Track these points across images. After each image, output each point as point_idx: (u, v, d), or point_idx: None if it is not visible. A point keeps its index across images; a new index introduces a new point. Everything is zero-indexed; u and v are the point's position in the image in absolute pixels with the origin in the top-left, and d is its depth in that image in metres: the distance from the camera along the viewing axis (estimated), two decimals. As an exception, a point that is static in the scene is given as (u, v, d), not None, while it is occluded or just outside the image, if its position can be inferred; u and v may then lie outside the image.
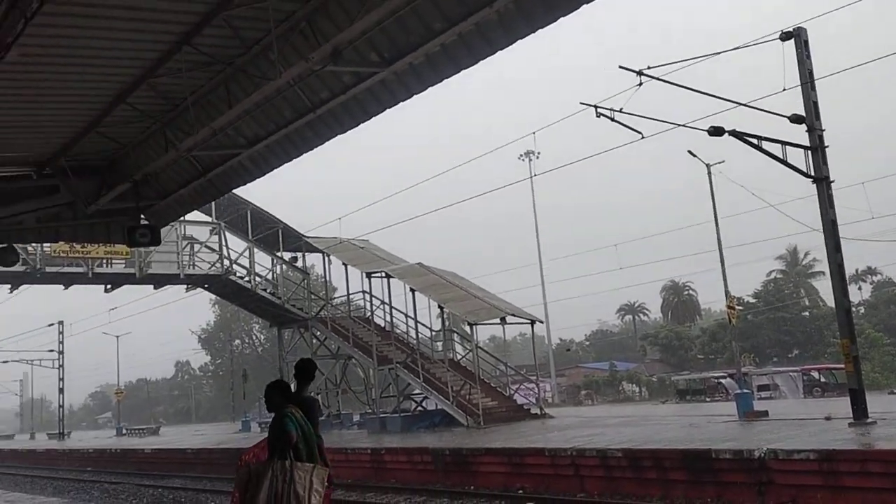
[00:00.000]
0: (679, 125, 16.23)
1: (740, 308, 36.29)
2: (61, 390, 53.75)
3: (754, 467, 12.19)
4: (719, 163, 21.87)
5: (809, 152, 16.52)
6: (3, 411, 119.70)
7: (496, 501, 14.46)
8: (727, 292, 21.62)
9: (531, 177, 40.67)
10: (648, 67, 15.02)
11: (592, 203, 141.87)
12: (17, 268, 24.04)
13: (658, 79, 15.06)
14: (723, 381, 42.21)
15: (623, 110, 14.66)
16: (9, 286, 27.05)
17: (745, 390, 22.40)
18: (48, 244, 24.84)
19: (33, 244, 24.14)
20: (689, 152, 21.46)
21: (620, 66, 14.68)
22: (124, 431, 54.73)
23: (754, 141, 16.59)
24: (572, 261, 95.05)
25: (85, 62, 7.60)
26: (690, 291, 77.79)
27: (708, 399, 40.09)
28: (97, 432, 74.32)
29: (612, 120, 14.68)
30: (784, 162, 16.55)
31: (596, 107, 14.77)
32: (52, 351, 54.57)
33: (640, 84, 14.54)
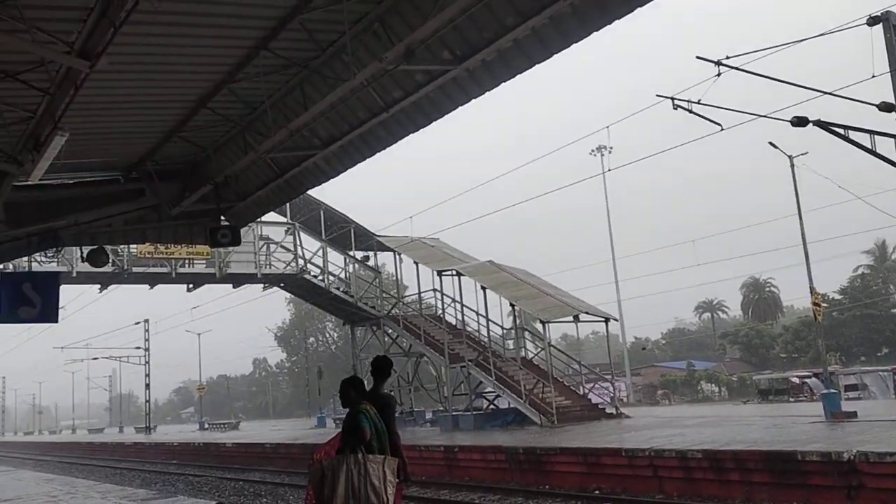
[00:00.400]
0: (760, 116, 15.71)
1: (825, 305, 34.83)
2: (147, 386, 55.90)
3: (844, 470, 11.70)
4: (802, 154, 21.06)
5: (900, 141, 15.74)
6: (94, 406, 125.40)
7: (572, 501, 14.30)
8: (812, 288, 20.79)
9: (603, 172, 40.07)
10: (727, 57, 14.59)
11: (667, 198, 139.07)
12: (107, 269, 25.15)
13: (737, 68, 14.60)
14: (807, 380, 40.71)
15: (701, 101, 14.29)
16: (98, 286, 28.30)
17: (832, 390, 21.51)
18: (134, 246, 25.90)
19: (121, 246, 25.20)
20: (771, 144, 20.74)
21: (698, 57, 14.31)
22: (206, 426, 56.63)
23: (840, 131, 15.91)
24: (647, 257, 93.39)
25: (169, 69, 7.88)
26: (772, 288, 75.31)
27: (791, 399, 38.71)
28: (181, 426, 77.14)
29: (690, 112, 14.31)
30: (872, 152, 15.79)
31: (673, 98, 14.43)
32: (138, 348, 56.87)
33: (719, 74, 14.14)
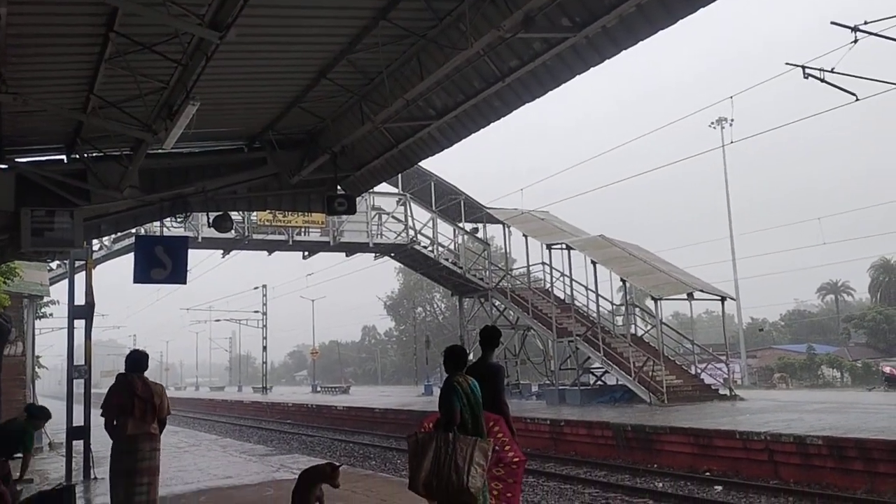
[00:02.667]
0: (900, 85, 14.59)
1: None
2: (264, 348, 58.65)
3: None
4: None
5: None
6: (215, 365, 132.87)
7: (681, 482, 14.00)
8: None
9: (724, 146, 38.39)
10: (865, 23, 13.60)
11: (792, 173, 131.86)
12: (229, 235, 26.42)
13: (876, 34, 13.59)
14: (945, 370, 37.97)
15: (834, 70, 13.40)
16: (221, 252, 29.78)
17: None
18: (254, 214, 27.05)
19: (242, 214, 26.37)
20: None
21: (832, 23, 13.40)
22: (318, 389, 58.91)
23: None
24: (767, 235, 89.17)
25: (292, 41, 8.09)
26: (905, 270, 70.34)
27: (923, 389, 36.21)
28: (294, 388, 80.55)
29: (822, 81, 13.46)
30: None
31: (804, 67, 13.60)
32: (256, 312, 59.70)
33: (856, 41, 13.20)
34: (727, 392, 25.25)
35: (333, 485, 7.10)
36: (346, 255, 32.14)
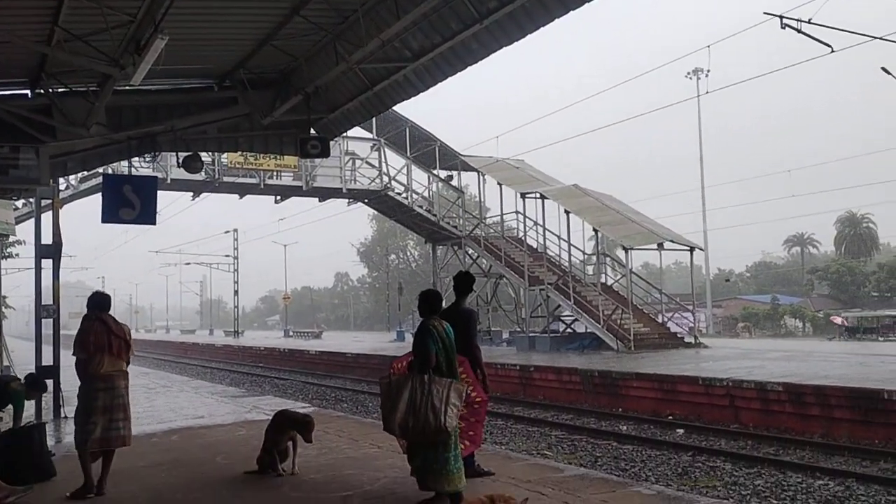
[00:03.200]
0: (874, 38, 14.63)
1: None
2: (236, 292, 58.55)
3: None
4: (919, 81, 19.58)
5: None
6: (186, 309, 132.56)
7: (645, 425, 14.39)
8: (916, 225, 19.67)
9: (699, 95, 38.37)
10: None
11: (766, 126, 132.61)
12: (199, 177, 26.04)
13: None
14: (901, 321, 39.16)
15: (812, 21, 13.38)
16: (191, 194, 29.36)
17: (928, 331, 20.57)
18: (225, 156, 26.64)
19: (212, 156, 25.95)
20: (884, 69, 19.35)
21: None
22: (291, 333, 59.09)
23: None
24: (738, 187, 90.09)
25: (264, -26, 7.87)
26: (869, 224, 71.74)
27: (881, 338, 37.35)
28: (266, 333, 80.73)
29: (799, 31, 13.44)
30: None
31: (781, 17, 13.55)
32: (227, 256, 59.36)
33: (833, -9, 13.17)
34: (692, 340, 25.80)
35: (305, 438, 7.21)
36: (319, 201, 31.89)
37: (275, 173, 28.66)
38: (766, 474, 9.99)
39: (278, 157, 26.16)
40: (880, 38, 14.57)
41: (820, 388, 13.10)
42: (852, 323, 42.56)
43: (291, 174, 28.88)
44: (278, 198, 30.46)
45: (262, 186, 28.45)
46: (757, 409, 13.96)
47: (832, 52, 13.92)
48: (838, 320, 43.24)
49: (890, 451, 11.00)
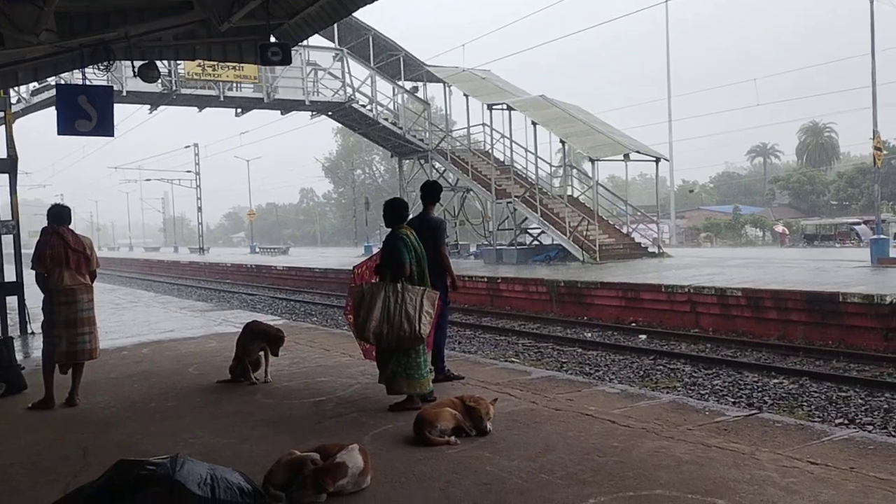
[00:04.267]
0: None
1: (885, 153, 33.58)
2: (199, 209, 57.74)
3: (884, 313, 11.78)
4: (886, -13, 19.47)
5: None
6: (149, 226, 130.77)
7: (609, 332, 14.77)
8: (875, 131, 19.95)
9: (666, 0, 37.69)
10: None
11: (731, 38, 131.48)
12: (156, 88, 25.23)
13: None
14: (856, 227, 40.23)
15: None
16: (149, 107, 28.49)
17: (882, 236, 21.18)
18: (182, 67, 25.75)
19: (169, 67, 25.07)
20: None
21: None
22: (257, 250, 58.85)
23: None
24: (704, 96, 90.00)
25: None
26: (831, 133, 72.57)
27: (838, 245, 38.43)
28: (232, 249, 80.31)
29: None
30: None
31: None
32: (189, 172, 58.23)
33: None
34: (656, 250, 26.27)
35: (273, 352, 7.26)
36: (282, 113, 31.19)
37: (234, 84, 27.85)
38: (723, 374, 10.40)
39: (238, 67, 25.38)
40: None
41: (777, 292, 13.50)
42: (811, 231, 43.65)
43: (252, 86, 28.10)
44: (239, 110, 29.72)
45: (222, 99, 27.68)
46: (716, 315, 14.40)
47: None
48: (779, 229, 44.35)
49: (842, 351, 11.49)
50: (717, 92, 79.49)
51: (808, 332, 12.74)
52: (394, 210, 6.14)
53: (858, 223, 40.82)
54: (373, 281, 6.07)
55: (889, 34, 22.99)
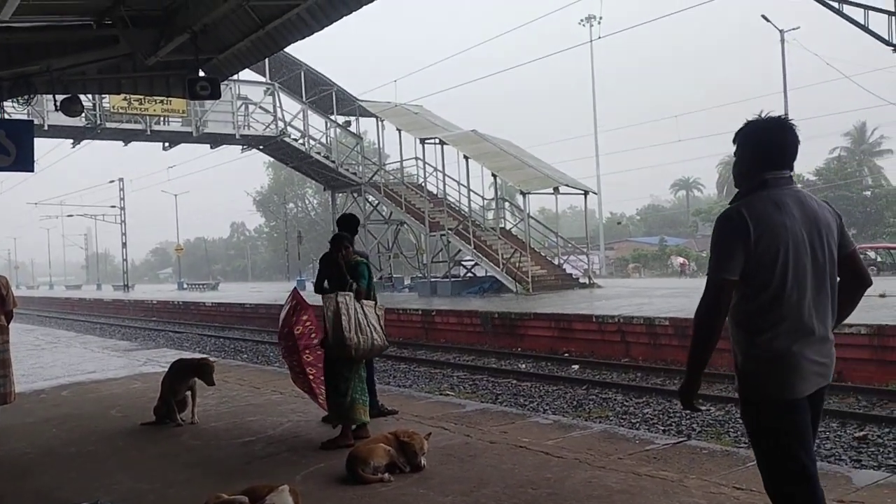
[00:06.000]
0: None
1: (800, 185, 35.26)
2: (124, 245, 56.04)
3: (803, 340, 12.24)
4: (794, 29, 20.65)
5: (893, 19, 15.47)
6: (70, 264, 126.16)
7: (542, 363, 14.91)
8: (790, 167, 20.93)
9: (591, 41, 39.02)
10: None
11: (654, 74, 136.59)
12: (80, 122, 24.56)
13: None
14: (774, 258, 41.86)
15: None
16: (72, 141, 27.68)
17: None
18: (107, 101, 25.17)
19: (93, 100, 24.47)
20: (763, 17, 20.25)
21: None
22: (185, 286, 57.34)
23: (835, 5, 15.56)
24: (629, 132, 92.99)
25: None
26: (749, 168, 75.77)
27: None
28: (159, 286, 78.08)
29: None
30: (866, 29, 15.56)
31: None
32: (113, 207, 56.55)
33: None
34: (587, 281, 26.78)
35: (207, 381, 7.08)
36: (211, 147, 30.77)
37: (162, 118, 27.36)
38: (654, 403, 10.61)
39: (165, 101, 24.97)
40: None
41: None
42: (683, 263, 45.65)
43: (180, 119, 27.67)
44: (167, 144, 29.19)
45: (149, 133, 27.17)
46: (646, 344, 14.72)
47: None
48: (679, 261, 45.99)
49: (764, 377, 11.86)
50: (642, 128, 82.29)
51: (731, 360, 13.10)
52: (349, 224, 6.68)
53: (778, 253, 42.53)
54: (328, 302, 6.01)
55: (797, 76, 24.33)
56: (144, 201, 72.74)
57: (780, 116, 2.85)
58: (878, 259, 40.02)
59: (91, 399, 8.76)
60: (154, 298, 40.22)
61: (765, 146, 2.78)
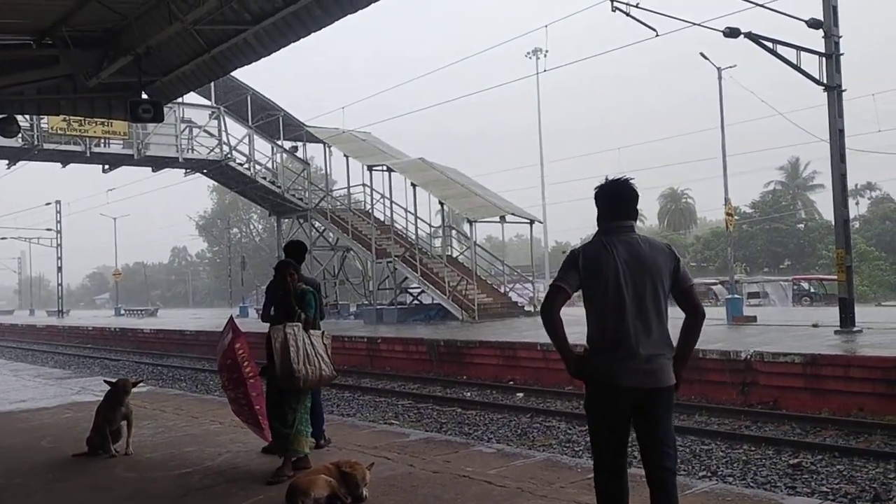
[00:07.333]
0: (695, 24, 15.79)
1: (737, 217, 36.40)
2: (60, 269, 54.36)
3: (740, 368, 12.56)
4: (730, 67, 21.42)
5: (824, 59, 16.20)
6: (3, 288, 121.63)
7: (488, 391, 14.93)
8: (727, 199, 21.61)
9: (538, 73, 39.76)
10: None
11: (599, 106, 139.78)
12: (16, 143, 23.86)
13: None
14: (714, 287, 42.90)
15: (640, 5, 14.22)
16: (6, 162, 26.85)
17: (736, 296, 22.74)
18: (45, 121, 24.53)
19: (31, 121, 23.83)
20: (702, 55, 20.97)
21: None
22: (123, 312, 55.75)
23: (769, 45, 16.21)
24: (574, 162, 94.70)
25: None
26: (688, 199, 77.87)
27: (698, 305, 40.71)
28: (95, 312, 75.73)
29: (628, 15, 14.25)
30: (797, 68, 16.23)
31: (612, 0, 14.30)
32: (49, 230, 54.88)
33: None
34: (532, 309, 26.99)
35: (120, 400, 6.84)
36: (153, 170, 30.20)
37: (102, 140, 26.77)
38: (596, 430, 10.67)
39: (106, 123, 24.47)
40: (699, 25, 15.75)
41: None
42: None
43: (121, 142, 27.11)
44: (106, 167, 28.54)
45: (89, 154, 26.55)
46: (589, 371, 14.83)
47: (657, 35, 14.91)
48: None
49: (704, 405, 12.11)
50: (587, 159, 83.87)
51: (684, 389, 13.33)
52: (298, 251, 6.66)
53: (715, 283, 43.60)
54: (279, 327, 5.90)
55: (736, 111, 25.22)
56: (82, 224, 70.81)
57: (621, 178, 3.61)
58: (812, 290, 41.36)
59: (21, 429, 8.41)
60: (90, 325, 39.02)
61: (607, 201, 3.58)
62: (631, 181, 3.61)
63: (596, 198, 3.65)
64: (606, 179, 3.64)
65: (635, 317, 3.42)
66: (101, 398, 7.15)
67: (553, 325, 3.53)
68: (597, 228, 3.65)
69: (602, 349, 3.50)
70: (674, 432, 3.56)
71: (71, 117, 22.56)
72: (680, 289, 3.53)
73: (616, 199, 3.58)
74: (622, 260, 3.43)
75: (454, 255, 30.86)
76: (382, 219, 30.92)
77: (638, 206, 3.62)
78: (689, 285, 3.57)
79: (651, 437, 3.48)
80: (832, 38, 16.03)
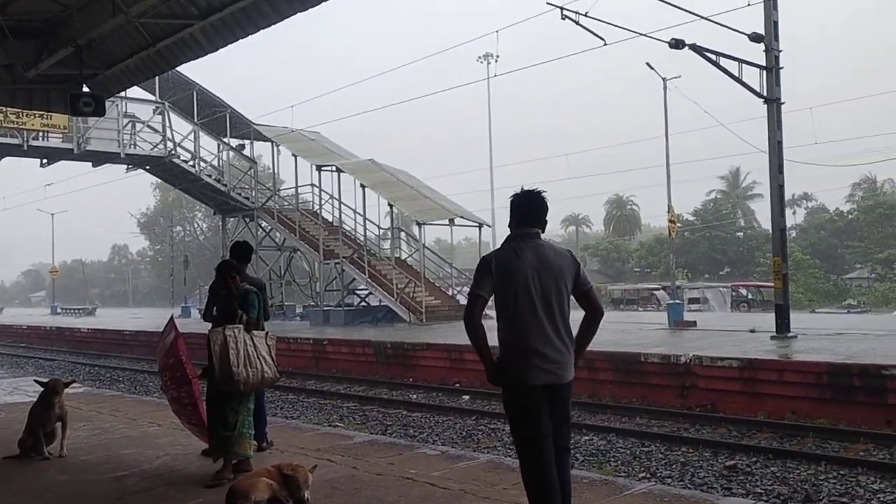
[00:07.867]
0: (641, 34, 16.10)
1: (679, 225, 37.23)
2: (-7, 266, 52.44)
3: (679, 372, 12.84)
4: (675, 77, 21.89)
5: (764, 72, 16.69)
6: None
7: (434, 393, 14.94)
8: (670, 206, 22.07)
9: (488, 77, 40.02)
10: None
11: (548, 114, 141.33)
12: (-53, 134, 22.95)
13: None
14: (656, 292, 43.83)
15: (588, 14, 14.44)
16: (-63, 153, 25.83)
17: (677, 301, 23.24)
18: (-20, 112, 23.65)
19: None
20: (647, 65, 21.39)
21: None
22: (59, 311, 54.07)
23: (712, 57, 16.62)
24: (522, 168, 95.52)
25: None
26: (633, 206, 79.32)
27: (640, 309, 41.58)
28: (31, 310, 73.28)
29: (577, 24, 14.46)
30: (739, 80, 16.68)
31: (562, 8, 14.49)
32: (-17, 225, 52.88)
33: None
34: (479, 312, 27.06)
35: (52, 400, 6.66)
36: (94, 165, 29.38)
37: (40, 134, 25.94)
38: (540, 433, 10.77)
39: (45, 116, 23.67)
40: (645, 35, 16.06)
41: (586, 352, 14.30)
42: (617, 295, 47.04)
43: (61, 136, 26.31)
44: (45, 161, 27.67)
45: (26, 148, 25.69)
46: (534, 374, 14.97)
47: (605, 44, 15.16)
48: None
49: (645, 408, 12.34)
50: (534, 164, 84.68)
51: (614, 391, 13.58)
52: (244, 252, 6.72)
53: (658, 289, 44.55)
54: (220, 329, 5.78)
55: (679, 121, 25.78)
56: (18, 220, 68.56)
57: (535, 190, 3.87)
58: (749, 296, 42.58)
59: (-54, 432, 8.08)
60: (24, 323, 37.79)
61: (521, 210, 3.85)
62: (543, 193, 3.89)
63: (511, 205, 3.88)
64: (522, 189, 3.89)
65: (543, 318, 3.70)
66: (35, 399, 6.94)
67: (475, 331, 3.75)
68: (509, 232, 3.89)
69: (513, 349, 3.73)
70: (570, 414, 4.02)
71: (8, 109, 21.78)
72: (581, 290, 3.87)
73: (528, 208, 3.84)
74: (530, 265, 3.70)
75: (403, 258, 30.80)
76: (331, 219, 30.69)
77: (547, 218, 3.90)
78: (588, 287, 3.92)
79: (554, 422, 3.78)
80: (772, 53, 16.53)
